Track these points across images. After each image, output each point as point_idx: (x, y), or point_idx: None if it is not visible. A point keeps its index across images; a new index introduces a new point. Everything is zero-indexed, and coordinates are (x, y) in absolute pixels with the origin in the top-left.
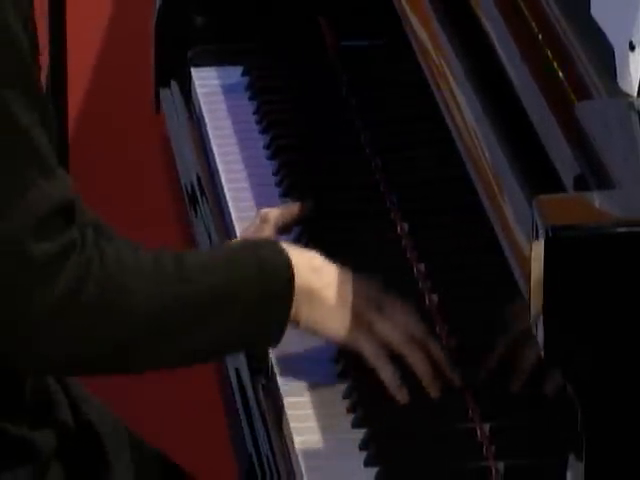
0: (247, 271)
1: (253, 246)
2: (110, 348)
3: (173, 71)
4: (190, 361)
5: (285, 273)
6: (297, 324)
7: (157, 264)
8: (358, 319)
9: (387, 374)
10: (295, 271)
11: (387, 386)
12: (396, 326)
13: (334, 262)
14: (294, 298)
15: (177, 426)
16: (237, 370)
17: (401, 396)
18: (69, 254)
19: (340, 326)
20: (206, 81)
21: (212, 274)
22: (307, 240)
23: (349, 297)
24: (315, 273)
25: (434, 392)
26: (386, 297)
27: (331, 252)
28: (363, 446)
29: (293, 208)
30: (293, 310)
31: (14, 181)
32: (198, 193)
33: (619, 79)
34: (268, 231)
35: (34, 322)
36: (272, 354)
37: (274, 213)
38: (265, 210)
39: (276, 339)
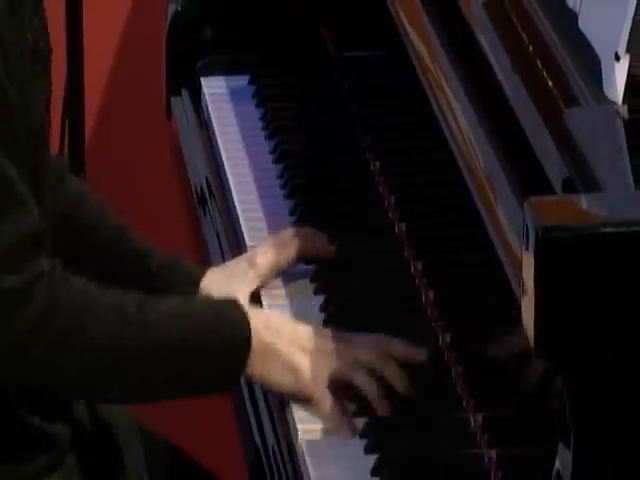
0: (208, 324)
1: (216, 303)
2: (70, 379)
3: (184, 80)
4: (147, 397)
5: (242, 331)
6: (250, 376)
7: (120, 303)
8: (306, 372)
9: (327, 412)
10: (252, 327)
11: (326, 418)
12: (340, 356)
13: (334, 262)
14: (250, 354)
15: (187, 418)
16: None
17: (349, 433)
18: (36, 286)
19: (290, 379)
20: (215, 89)
21: (174, 323)
22: None
23: (297, 350)
24: (268, 329)
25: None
26: (345, 339)
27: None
28: (363, 435)
29: (280, 259)
30: (248, 364)
31: None
32: (207, 194)
33: (605, 87)
34: (251, 275)
35: (4, 349)
36: None
37: (261, 261)
38: (255, 253)
39: (228, 389)
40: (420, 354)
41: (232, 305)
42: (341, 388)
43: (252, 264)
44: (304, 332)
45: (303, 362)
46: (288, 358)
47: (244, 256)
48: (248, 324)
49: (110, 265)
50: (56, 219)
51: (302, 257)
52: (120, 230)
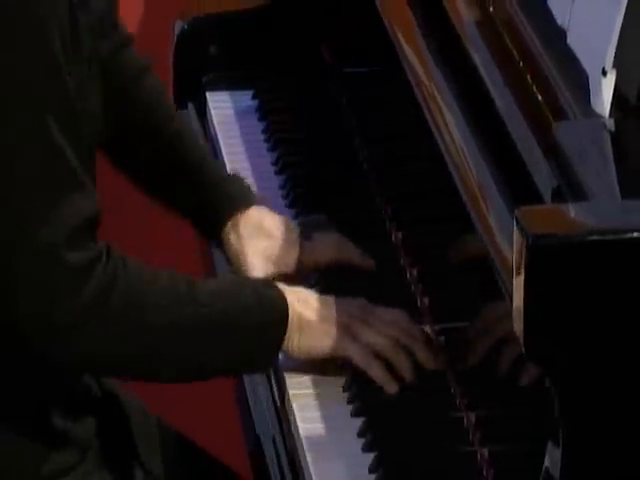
0: (248, 301)
1: (252, 281)
2: (128, 354)
3: (190, 95)
4: (195, 375)
5: (281, 305)
6: (289, 350)
7: (172, 283)
8: (343, 334)
9: (374, 371)
10: (289, 305)
11: (378, 382)
12: (378, 332)
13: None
14: (287, 327)
15: (194, 409)
16: None
17: (391, 388)
18: (97, 263)
19: (327, 345)
20: (219, 104)
21: (218, 300)
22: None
23: (333, 318)
24: (302, 303)
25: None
26: (369, 309)
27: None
28: (361, 433)
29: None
30: (286, 337)
31: (50, 196)
32: None
33: (592, 102)
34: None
35: (64, 324)
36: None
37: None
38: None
39: (269, 363)
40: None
41: (271, 285)
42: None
43: (301, 254)
44: (334, 304)
45: (341, 332)
46: (324, 327)
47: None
48: (285, 300)
49: (168, 165)
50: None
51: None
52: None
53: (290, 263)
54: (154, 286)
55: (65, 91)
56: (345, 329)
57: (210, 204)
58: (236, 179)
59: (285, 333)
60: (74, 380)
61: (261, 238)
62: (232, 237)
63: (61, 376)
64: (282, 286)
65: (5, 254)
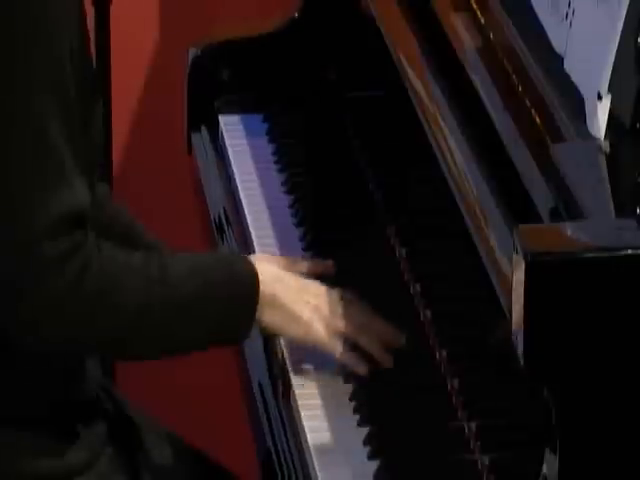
0: (220, 278)
1: (226, 258)
2: (102, 334)
3: (203, 118)
4: (170, 352)
5: (251, 281)
6: (261, 325)
7: (144, 265)
8: (313, 320)
9: (342, 354)
10: (260, 279)
11: (345, 364)
12: (347, 317)
13: (339, 281)
14: (259, 302)
15: (205, 420)
16: (258, 377)
17: (360, 369)
18: (74, 252)
19: (296, 328)
20: (231, 126)
21: (190, 279)
22: (316, 253)
23: (306, 302)
24: (278, 282)
25: (388, 363)
26: (338, 297)
27: (336, 272)
28: (367, 442)
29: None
30: (258, 312)
31: (39, 186)
32: (224, 223)
33: (589, 124)
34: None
35: (39, 309)
36: (288, 361)
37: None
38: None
39: (243, 336)
40: (400, 339)
41: (242, 259)
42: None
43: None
44: (311, 287)
45: (310, 316)
46: (296, 311)
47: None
48: (257, 276)
49: None
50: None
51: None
52: (130, 227)
53: None
54: (126, 269)
55: (69, 94)
56: (316, 315)
57: None
58: None
59: (255, 307)
60: (82, 386)
61: None
62: None
63: (70, 381)
64: (260, 263)
65: None
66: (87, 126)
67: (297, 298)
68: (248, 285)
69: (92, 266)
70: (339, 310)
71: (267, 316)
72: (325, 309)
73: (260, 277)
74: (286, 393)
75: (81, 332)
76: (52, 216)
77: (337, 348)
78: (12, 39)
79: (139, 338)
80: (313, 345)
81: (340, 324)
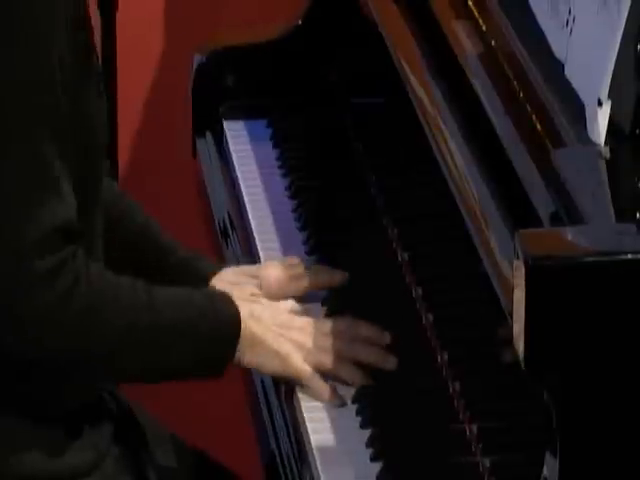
0: (203, 314)
1: (210, 294)
2: (89, 350)
3: (208, 123)
4: (146, 379)
5: (233, 320)
6: (240, 363)
7: (132, 288)
8: (292, 356)
9: (318, 390)
10: (242, 319)
11: (320, 398)
12: (323, 351)
13: (344, 287)
14: (239, 342)
15: (209, 423)
16: (262, 380)
17: (339, 403)
18: (62, 267)
19: (276, 365)
20: (236, 132)
21: (175, 310)
22: (319, 258)
23: (283, 339)
24: (255, 321)
25: (390, 365)
26: (316, 325)
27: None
28: (369, 444)
29: (289, 289)
30: (238, 352)
31: (27, 200)
32: (229, 227)
33: (589, 130)
34: (255, 292)
35: (27, 324)
36: None
37: (272, 284)
38: (268, 274)
39: (219, 373)
40: (385, 336)
41: (226, 298)
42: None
43: (262, 281)
44: (296, 322)
45: (289, 350)
46: (275, 347)
47: (257, 269)
48: (238, 316)
49: (135, 257)
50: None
51: (309, 290)
52: (146, 226)
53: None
54: (116, 289)
55: (58, 104)
56: (294, 352)
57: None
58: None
59: (236, 346)
60: (87, 387)
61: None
62: None
63: (76, 385)
64: (239, 301)
65: None
66: (90, 123)
67: (277, 335)
68: (230, 325)
69: (82, 282)
70: (322, 343)
71: (247, 355)
72: (308, 343)
73: (242, 316)
74: (289, 395)
75: (65, 348)
76: (43, 230)
77: (314, 382)
78: None
79: (123, 358)
80: (292, 379)
81: (321, 358)
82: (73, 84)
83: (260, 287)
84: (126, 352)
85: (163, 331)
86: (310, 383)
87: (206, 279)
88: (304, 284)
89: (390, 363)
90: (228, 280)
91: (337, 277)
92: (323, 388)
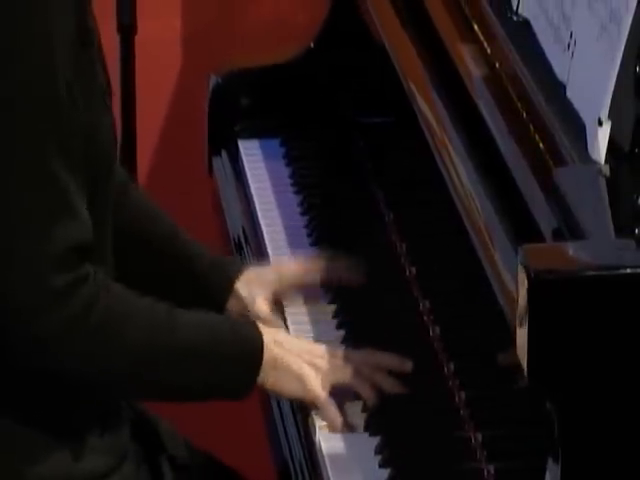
0: (226, 337)
1: (234, 319)
2: (104, 369)
3: (223, 142)
4: (167, 398)
5: (257, 344)
6: (263, 386)
7: (152, 309)
8: (312, 381)
9: (333, 419)
10: (265, 345)
11: (332, 425)
12: (343, 377)
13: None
14: (262, 366)
15: (224, 431)
16: None
17: (349, 431)
18: (81, 285)
19: (297, 388)
20: (250, 150)
21: (196, 331)
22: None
23: (305, 364)
24: (278, 346)
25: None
26: (335, 353)
27: (347, 290)
28: (378, 451)
29: (305, 278)
30: (261, 375)
31: (44, 220)
32: (243, 242)
33: (589, 149)
34: (275, 284)
35: (45, 341)
36: None
37: (287, 273)
38: (283, 266)
39: (242, 396)
40: (406, 364)
41: (249, 323)
42: (338, 396)
43: (279, 274)
44: (309, 348)
45: (309, 373)
46: (296, 370)
47: (277, 266)
48: (262, 339)
49: (161, 263)
50: (119, 226)
51: (325, 282)
52: (172, 232)
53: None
54: (134, 309)
55: (66, 122)
56: (314, 377)
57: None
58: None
59: (259, 369)
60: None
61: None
62: (233, 302)
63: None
64: (261, 327)
65: None
66: (98, 138)
67: (297, 359)
68: (253, 348)
69: (99, 301)
70: (339, 366)
71: (268, 378)
72: (325, 366)
73: (265, 340)
74: (301, 403)
75: (82, 365)
76: (59, 248)
77: (328, 409)
78: (8, 72)
79: (138, 379)
80: (309, 403)
81: (337, 378)
82: (78, 99)
83: (281, 281)
84: (144, 371)
85: (182, 352)
86: (324, 409)
87: (232, 284)
88: (318, 275)
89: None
90: (252, 279)
91: (345, 264)
92: (336, 416)
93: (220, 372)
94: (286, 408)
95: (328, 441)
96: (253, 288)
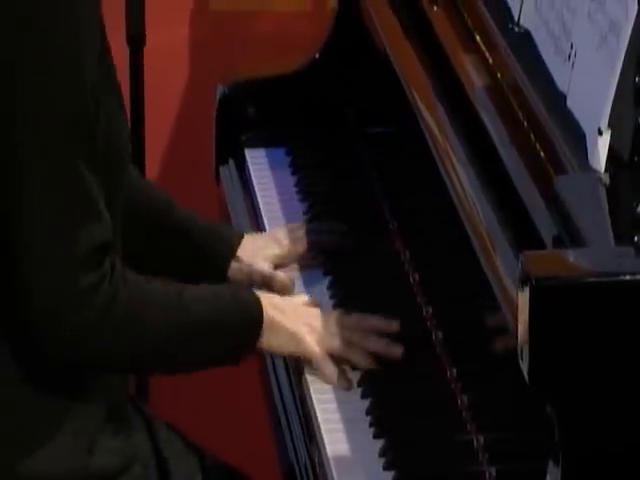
0: (229, 306)
1: (233, 289)
2: (128, 355)
3: (230, 151)
4: (187, 369)
5: (256, 308)
6: (261, 345)
7: (164, 293)
8: (306, 339)
9: (325, 370)
10: (263, 308)
11: (328, 381)
12: (335, 336)
13: (354, 302)
14: (261, 329)
15: (230, 435)
16: (281, 394)
17: (341, 384)
18: (103, 281)
19: (293, 346)
20: (257, 159)
21: (203, 306)
22: (334, 279)
23: (299, 324)
24: (274, 308)
25: (396, 354)
26: (334, 318)
27: (353, 294)
28: (382, 453)
29: (296, 247)
30: (261, 336)
31: (72, 221)
32: None
33: (589, 158)
34: (275, 249)
35: (73, 334)
36: (311, 386)
37: (282, 239)
38: (278, 236)
39: (247, 354)
40: (394, 325)
41: (247, 292)
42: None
43: (276, 241)
44: (304, 311)
45: (305, 331)
46: (291, 328)
47: (271, 234)
48: (260, 303)
49: (160, 232)
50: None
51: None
52: (168, 203)
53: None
54: (147, 295)
55: (95, 126)
56: (308, 334)
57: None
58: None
59: (260, 332)
60: (117, 395)
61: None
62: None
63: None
64: (258, 292)
65: (26, 271)
66: (115, 138)
67: (293, 320)
68: (253, 313)
69: (120, 295)
70: (333, 329)
71: (266, 338)
72: (319, 328)
73: (262, 304)
74: (306, 405)
75: (108, 354)
76: (85, 250)
77: (324, 364)
78: (34, 75)
79: (159, 356)
80: (304, 357)
81: (332, 343)
82: (100, 102)
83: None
84: (162, 348)
85: (197, 325)
86: (320, 364)
87: (234, 251)
88: (307, 243)
89: (396, 351)
90: (250, 248)
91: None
92: (332, 370)
93: (226, 340)
94: (292, 413)
95: (332, 444)
96: (254, 252)
